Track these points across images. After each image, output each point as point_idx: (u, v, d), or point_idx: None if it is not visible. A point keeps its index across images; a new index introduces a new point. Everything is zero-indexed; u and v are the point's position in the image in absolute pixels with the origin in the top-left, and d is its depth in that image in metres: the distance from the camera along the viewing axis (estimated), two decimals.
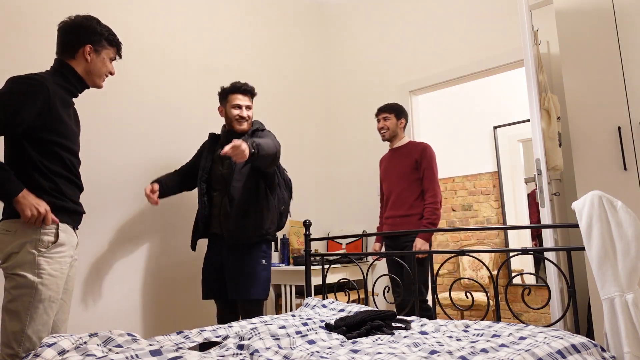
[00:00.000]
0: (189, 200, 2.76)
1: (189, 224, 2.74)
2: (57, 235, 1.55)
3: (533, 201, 4.13)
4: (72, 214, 1.64)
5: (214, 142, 2.45)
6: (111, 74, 1.79)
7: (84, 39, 1.68)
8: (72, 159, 1.66)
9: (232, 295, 2.24)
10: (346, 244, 3.62)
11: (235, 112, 2.31)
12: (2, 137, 1.71)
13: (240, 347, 1.35)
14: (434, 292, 2.02)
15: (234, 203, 2.23)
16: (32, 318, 1.47)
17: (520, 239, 4.13)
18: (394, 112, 2.86)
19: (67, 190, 1.64)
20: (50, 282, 1.51)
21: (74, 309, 2.18)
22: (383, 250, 2.88)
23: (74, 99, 1.75)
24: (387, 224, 2.83)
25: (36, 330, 1.47)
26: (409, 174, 2.76)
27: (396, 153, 2.88)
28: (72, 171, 1.66)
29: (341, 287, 3.30)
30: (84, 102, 2.31)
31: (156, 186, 2.25)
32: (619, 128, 2.10)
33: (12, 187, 1.47)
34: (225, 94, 2.37)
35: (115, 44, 1.77)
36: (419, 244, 2.61)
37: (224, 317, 2.37)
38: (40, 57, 2.21)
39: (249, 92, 2.37)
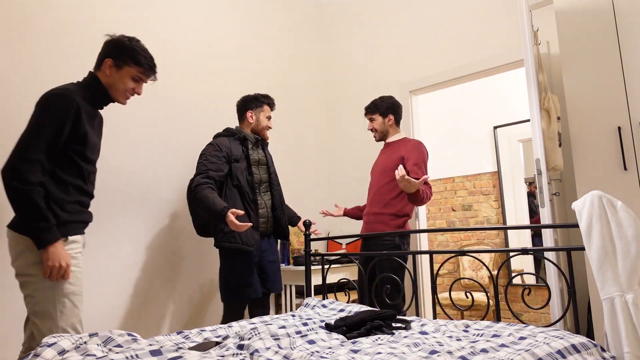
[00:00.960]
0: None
1: (189, 225, 2.75)
2: (65, 237, 1.60)
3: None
4: (77, 227, 1.68)
5: (243, 145, 2.45)
6: (137, 93, 1.78)
7: (107, 52, 1.72)
8: (89, 168, 1.70)
9: (276, 289, 2.46)
10: (346, 244, 3.62)
11: (268, 122, 2.57)
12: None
13: (241, 347, 1.35)
14: (434, 292, 2.02)
15: (279, 203, 2.52)
16: (62, 312, 1.53)
17: (520, 239, 4.13)
18: (377, 111, 2.68)
19: (78, 201, 1.67)
20: (72, 277, 1.57)
21: None
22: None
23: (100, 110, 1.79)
24: (364, 222, 2.69)
25: (70, 322, 1.54)
26: (391, 170, 2.55)
27: (386, 148, 2.71)
28: (86, 180, 1.69)
29: (341, 287, 3.30)
30: None
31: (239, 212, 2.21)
32: (619, 128, 2.10)
33: (48, 237, 1.51)
34: (260, 103, 2.54)
35: (140, 63, 1.74)
36: (413, 182, 2.21)
37: (240, 316, 2.34)
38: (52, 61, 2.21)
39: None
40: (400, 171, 2.19)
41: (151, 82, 1.83)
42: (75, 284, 1.58)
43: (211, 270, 2.85)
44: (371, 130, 2.72)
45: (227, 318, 2.32)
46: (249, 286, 2.30)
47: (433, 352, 1.29)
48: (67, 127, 1.57)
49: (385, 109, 2.67)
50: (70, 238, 1.62)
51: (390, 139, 2.72)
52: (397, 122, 2.72)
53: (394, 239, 2.47)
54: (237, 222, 2.10)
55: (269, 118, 2.56)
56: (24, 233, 1.53)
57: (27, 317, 1.60)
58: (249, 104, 2.53)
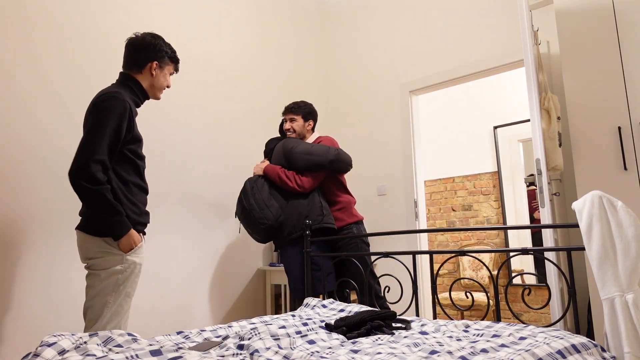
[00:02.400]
0: (188, 200, 2.77)
1: (194, 223, 2.75)
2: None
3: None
4: (141, 228, 1.77)
5: None
6: (168, 87, 1.93)
7: (152, 55, 1.83)
8: (142, 164, 1.79)
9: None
10: None
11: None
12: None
13: (240, 347, 1.35)
14: (434, 292, 2.02)
15: None
16: (110, 310, 1.62)
17: (520, 239, 4.13)
18: (301, 114, 2.75)
19: (141, 200, 1.77)
20: (131, 280, 1.67)
21: (74, 309, 2.18)
22: None
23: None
24: None
25: (117, 323, 1.63)
26: None
27: None
28: (142, 177, 1.80)
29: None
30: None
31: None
32: (619, 128, 2.10)
33: (124, 229, 1.64)
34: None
35: (176, 61, 1.91)
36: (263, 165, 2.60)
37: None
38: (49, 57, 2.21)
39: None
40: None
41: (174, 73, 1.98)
42: (131, 287, 1.68)
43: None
44: (287, 130, 2.77)
45: None
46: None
47: (433, 352, 1.29)
48: (124, 128, 1.66)
49: (307, 113, 2.77)
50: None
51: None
52: (314, 129, 2.83)
53: (353, 232, 2.60)
54: None
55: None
56: (99, 234, 1.64)
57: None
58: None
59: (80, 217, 1.72)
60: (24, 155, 2.11)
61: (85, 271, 1.81)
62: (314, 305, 2.18)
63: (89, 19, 2.44)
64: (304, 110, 2.76)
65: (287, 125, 2.75)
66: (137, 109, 1.84)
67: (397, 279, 2.30)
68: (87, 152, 1.58)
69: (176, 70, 1.95)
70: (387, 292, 2.71)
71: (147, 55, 1.82)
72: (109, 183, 1.64)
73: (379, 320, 1.68)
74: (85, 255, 1.67)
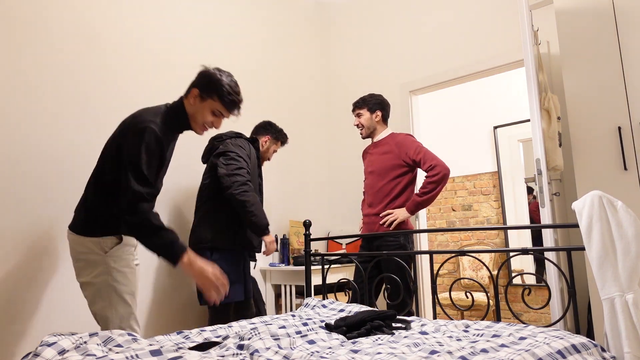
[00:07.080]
0: (188, 201, 2.77)
1: (188, 225, 2.75)
2: (120, 238, 1.69)
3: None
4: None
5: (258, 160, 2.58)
6: (215, 127, 1.79)
7: (196, 82, 1.75)
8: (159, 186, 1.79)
9: (254, 295, 2.51)
10: (346, 244, 3.62)
11: (272, 155, 2.71)
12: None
13: (240, 347, 1.35)
14: (434, 292, 2.02)
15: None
16: (117, 310, 1.64)
17: (520, 239, 4.13)
18: (366, 106, 2.64)
19: None
20: (121, 278, 1.67)
21: (74, 308, 2.18)
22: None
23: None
24: (364, 223, 2.66)
25: (127, 322, 1.66)
26: (389, 170, 2.54)
27: (376, 147, 2.67)
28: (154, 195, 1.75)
29: (341, 287, 3.30)
30: (91, 96, 2.31)
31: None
32: (619, 128, 2.10)
33: (178, 250, 1.57)
34: (276, 139, 2.69)
35: (223, 99, 1.73)
36: (399, 211, 2.43)
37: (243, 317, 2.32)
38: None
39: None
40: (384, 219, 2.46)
41: (234, 118, 1.84)
42: (125, 284, 1.68)
43: None
44: (357, 125, 2.69)
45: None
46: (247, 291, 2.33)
47: (433, 352, 1.29)
48: (156, 165, 1.68)
49: (374, 104, 2.65)
50: (124, 241, 1.71)
51: (377, 137, 2.69)
52: (385, 119, 2.70)
53: (399, 239, 2.45)
54: (271, 247, 2.35)
55: (275, 151, 2.68)
56: (85, 233, 1.65)
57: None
58: (272, 132, 2.63)
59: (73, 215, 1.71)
60: (24, 156, 2.11)
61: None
62: (314, 305, 2.18)
63: (101, 23, 2.44)
64: (369, 102, 2.64)
65: (354, 122, 2.68)
66: (177, 133, 1.80)
67: (397, 279, 2.30)
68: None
69: (227, 111, 1.77)
70: (388, 291, 2.71)
71: (195, 81, 1.76)
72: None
73: (379, 320, 1.68)
74: (75, 256, 1.67)
